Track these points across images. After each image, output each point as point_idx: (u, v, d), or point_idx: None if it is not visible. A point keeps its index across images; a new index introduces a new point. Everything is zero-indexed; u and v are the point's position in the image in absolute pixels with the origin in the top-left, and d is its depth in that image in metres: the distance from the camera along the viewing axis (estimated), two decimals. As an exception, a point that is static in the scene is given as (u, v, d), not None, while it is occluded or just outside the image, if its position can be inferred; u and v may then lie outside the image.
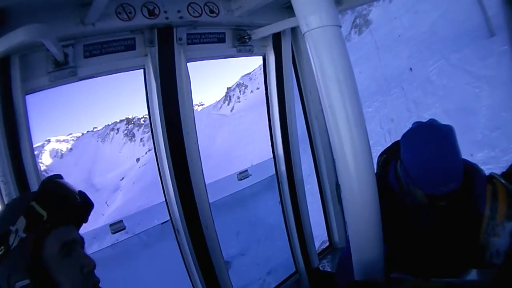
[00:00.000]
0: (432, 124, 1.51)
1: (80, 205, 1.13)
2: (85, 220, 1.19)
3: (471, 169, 1.55)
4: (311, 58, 1.20)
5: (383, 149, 1.92)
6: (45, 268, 1.02)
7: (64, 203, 1.09)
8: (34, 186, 1.82)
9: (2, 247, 1.00)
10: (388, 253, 1.37)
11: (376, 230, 1.25)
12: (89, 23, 1.92)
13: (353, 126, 1.16)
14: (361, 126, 1.18)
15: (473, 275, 1.82)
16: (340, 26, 1.22)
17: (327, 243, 3.47)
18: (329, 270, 3.20)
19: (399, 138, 1.63)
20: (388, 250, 1.38)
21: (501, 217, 1.46)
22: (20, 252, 1.00)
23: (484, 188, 1.51)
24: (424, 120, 1.58)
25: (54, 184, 1.13)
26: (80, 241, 1.13)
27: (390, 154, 1.77)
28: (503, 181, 1.50)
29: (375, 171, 1.73)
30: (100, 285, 1.14)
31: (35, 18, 1.70)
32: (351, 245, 1.33)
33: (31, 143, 1.84)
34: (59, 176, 1.17)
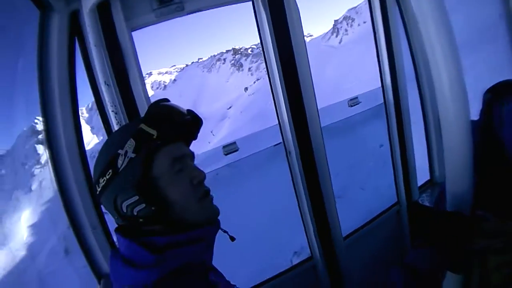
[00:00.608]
0: None
1: (189, 122, 1.14)
2: (195, 137, 1.22)
3: None
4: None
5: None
6: (154, 183, 1.04)
7: (173, 121, 1.08)
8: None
9: (110, 171, 1.02)
10: (477, 191, 1.41)
11: (468, 164, 1.33)
12: (187, -38, 1.93)
13: (450, 61, 1.24)
14: (457, 61, 1.25)
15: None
16: None
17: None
18: (427, 204, 3.21)
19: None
20: (477, 188, 1.41)
21: None
22: (129, 171, 1.01)
23: None
24: None
25: (161, 106, 1.12)
26: (191, 154, 1.16)
27: (495, 95, 1.72)
28: None
29: (480, 107, 1.73)
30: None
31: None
32: (446, 175, 1.40)
33: (140, 72, 1.90)
34: (166, 100, 1.16)
